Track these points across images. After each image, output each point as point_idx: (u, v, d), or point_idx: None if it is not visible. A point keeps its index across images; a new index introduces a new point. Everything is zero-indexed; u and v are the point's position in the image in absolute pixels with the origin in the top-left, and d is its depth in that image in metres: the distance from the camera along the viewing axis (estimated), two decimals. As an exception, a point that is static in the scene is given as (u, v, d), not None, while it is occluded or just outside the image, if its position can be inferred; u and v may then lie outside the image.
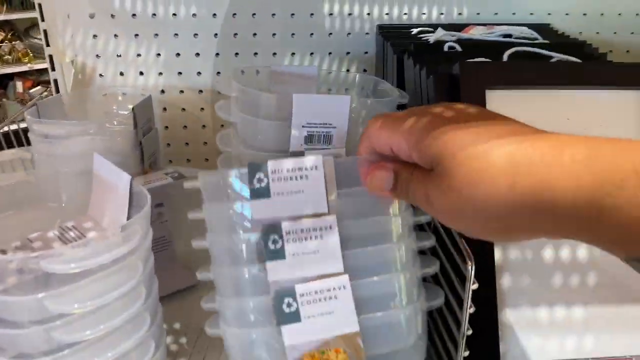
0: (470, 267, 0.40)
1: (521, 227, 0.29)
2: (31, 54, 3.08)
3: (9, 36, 2.85)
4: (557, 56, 0.56)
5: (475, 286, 0.41)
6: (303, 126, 0.52)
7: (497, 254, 0.48)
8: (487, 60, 0.55)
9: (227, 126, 0.59)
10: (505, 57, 0.56)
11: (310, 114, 0.52)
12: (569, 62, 0.55)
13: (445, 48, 0.65)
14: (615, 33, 0.87)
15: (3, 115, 2.79)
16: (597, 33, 0.87)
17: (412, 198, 0.34)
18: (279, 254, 0.41)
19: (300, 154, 0.52)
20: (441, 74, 0.52)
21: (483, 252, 0.46)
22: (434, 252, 0.49)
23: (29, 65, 3.05)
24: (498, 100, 0.50)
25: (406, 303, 0.42)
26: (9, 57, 2.84)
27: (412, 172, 0.33)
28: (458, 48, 0.65)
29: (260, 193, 0.40)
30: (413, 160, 0.33)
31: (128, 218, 0.44)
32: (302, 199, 0.41)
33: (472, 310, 0.42)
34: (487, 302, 0.46)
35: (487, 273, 0.46)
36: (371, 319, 0.41)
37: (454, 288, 0.45)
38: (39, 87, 3.42)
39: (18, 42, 2.93)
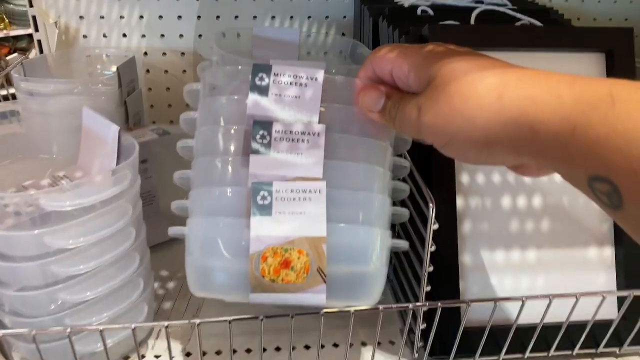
0: (431, 209, 0.44)
1: (502, 142, 0.31)
2: (7, 20, 3.02)
3: (-17, 3, 2.79)
4: (523, 18, 0.60)
5: (435, 226, 0.45)
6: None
7: (459, 201, 0.52)
8: (455, 22, 0.59)
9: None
10: (472, 18, 0.60)
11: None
12: (532, 25, 0.59)
13: (419, 12, 0.68)
14: (582, 1, 0.91)
15: (-19, 82, 2.75)
16: (566, 1, 0.91)
17: (400, 119, 0.37)
18: (264, 150, 0.42)
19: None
20: (412, 35, 0.55)
21: (445, 199, 0.51)
22: (403, 204, 0.53)
23: (4, 31, 2.98)
24: (463, 59, 0.53)
25: (373, 226, 0.44)
26: (-15, 24, 2.78)
27: (404, 95, 0.37)
28: (430, 12, 0.68)
29: (259, 90, 0.43)
30: (409, 84, 0.37)
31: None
32: (296, 105, 0.43)
33: (433, 248, 0.46)
34: (449, 242, 0.51)
35: (449, 217, 0.51)
36: (338, 231, 0.42)
37: (419, 232, 0.50)
38: (15, 54, 3.36)
39: (-7, 8, 2.86)
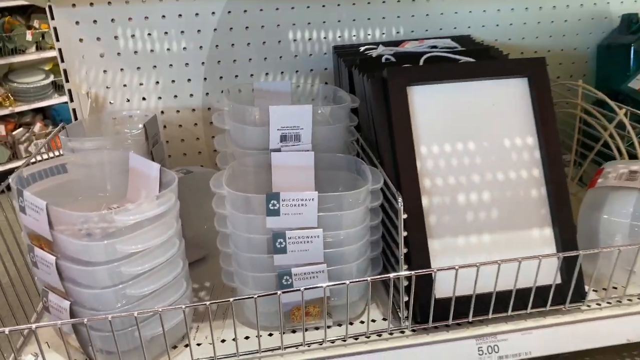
0: (400, 203, 0.59)
1: None
2: (12, 98, 3.23)
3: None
4: (461, 58, 0.77)
5: (405, 216, 0.60)
6: (278, 129, 0.71)
7: (424, 200, 0.67)
8: (409, 65, 0.75)
9: (216, 137, 0.78)
10: (421, 61, 0.77)
11: (283, 120, 0.71)
12: (466, 61, 0.76)
13: (383, 60, 0.85)
14: (523, 39, 1.09)
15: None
16: (509, 40, 1.09)
17: None
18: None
19: (277, 150, 0.71)
20: (376, 78, 0.71)
21: (412, 196, 0.66)
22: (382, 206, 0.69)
23: (10, 108, 3.20)
24: (416, 93, 0.70)
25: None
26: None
27: None
28: (392, 59, 0.85)
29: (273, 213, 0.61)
30: None
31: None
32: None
33: (405, 234, 0.61)
34: (418, 231, 0.65)
35: (416, 212, 0.66)
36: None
37: (395, 225, 0.64)
38: (21, 129, 3.57)
39: (-1, 87, 3.07)
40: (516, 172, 0.70)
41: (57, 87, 3.68)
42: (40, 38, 3.56)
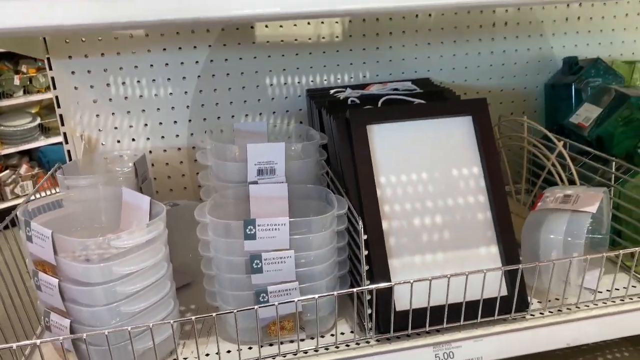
0: (360, 224, 0.68)
1: None
2: (-1, 141, 3.29)
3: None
4: (415, 100, 0.87)
5: (365, 237, 0.69)
6: (255, 164, 0.81)
7: (384, 224, 0.76)
8: (369, 107, 0.86)
9: (200, 172, 0.87)
10: (379, 103, 0.87)
11: (259, 156, 0.80)
12: (419, 103, 0.86)
13: (349, 102, 0.96)
14: (477, 80, 1.21)
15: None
16: (465, 81, 1.21)
17: None
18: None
19: (254, 183, 0.80)
20: (340, 118, 0.82)
21: (373, 220, 0.75)
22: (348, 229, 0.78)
23: (-5, 151, 3.24)
24: (375, 131, 0.80)
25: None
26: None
27: None
28: (357, 101, 0.95)
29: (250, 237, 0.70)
30: None
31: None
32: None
33: (366, 252, 0.70)
34: (379, 249, 0.74)
35: (378, 232, 0.75)
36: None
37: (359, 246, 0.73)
38: (7, 171, 3.63)
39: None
40: (464, 199, 0.79)
41: (44, 130, 3.76)
42: (28, 82, 3.66)
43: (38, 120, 3.74)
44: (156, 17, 0.54)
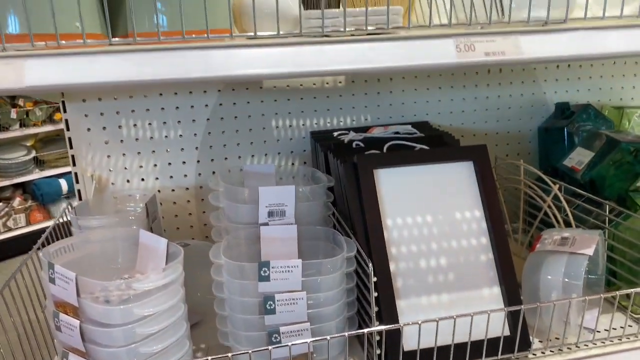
0: (370, 267, 0.71)
1: None
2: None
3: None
4: (417, 146, 0.92)
5: (375, 279, 0.72)
6: (266, 207, 0.84)
7: (392, 265, 0.79)
8: (375, 151, 0.90)
9: (207, 213, 0.90)
10: (384, 148, 0.91)
11: (270, 199, 0.84)
12: (422, 149, 0.91)
13: (353, 145, 1.00)
14: (474, 123, 1.26)
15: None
16: (462, 124, 1.26)
17: None
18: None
19: (265, 224, 0.83)
20: (348, 163, 0.85)
21: (381, 262, 0.78)
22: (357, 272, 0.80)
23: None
24: (382, 175, 0.84)
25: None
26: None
27: None
28: (362, 144, 0.99)
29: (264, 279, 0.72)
30: None
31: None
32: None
33: (376, 294, 0.72)
34: (387, 290, 0.77)
35: (386, 274, 0.78)
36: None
37: (368, 287, 0.76)
38: (0, 203, 3.63)
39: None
40: (467, 241, 0.83)
41: (38, 163, 3.78)
42: (25, 116, 3.69)
43: (33, 153, 3.76)
44: (181, 75, 0.58)
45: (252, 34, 0.64)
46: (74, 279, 0.65)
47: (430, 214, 0.84)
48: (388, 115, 1.21)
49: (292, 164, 1.19)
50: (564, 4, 0.69)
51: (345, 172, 0.85)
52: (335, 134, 1.12)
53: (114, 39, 0.60)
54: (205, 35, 0.63)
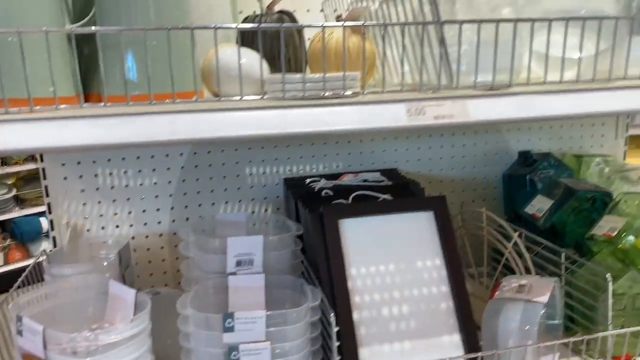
0: (332, 316, 0.74)
1: None
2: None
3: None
4: (381, 196, 0.96)
5: (337, 328, 0.74)
6: (234, 256, 0.87)
7: (355, 314, 0.82)
8: (343, 201, 0.94)
9: (180, 259, 0.92)
10: (350, 199, 0.95)
11: (238, 249, 0.87)
12: (385, 200, 0.95)
13: (323, 193, 1.04)
14: (441, 170, 1.31)
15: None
16: (430, 171, 1.31)
17: None
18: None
19: (233, 274, 0.86)
20: (315, 213, 0.89)
21: (344, 311, 0.80)
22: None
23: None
24: (347, 225, 0.87)
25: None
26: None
27: None
28: (330, 193, 1.03)
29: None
30: None
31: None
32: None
33: (338, 343, 0.75)
34: (349, 340, 0.79)
35: (349, 323, 0.80)
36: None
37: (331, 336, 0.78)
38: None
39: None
40: (428, 289, 0.86)
41: (19, 201, 3.76)
42: (7, 154, 3.68)
43: (14, 192, 3.74)
44: (149, 138, 0.62)
45: (217, 97, 0.68)
46: (41, 332, 0.66)
47: (393, 262, 0.87)
48: (359, 162, 1.26)
49: (266, 210, 1.22)
50: (509, 69, 0.74)
51: (312, 222, 0.88)
52: (308, 180, 1.16)
53: (85, 104, 0.64)
54: (173, 99, 0.67)
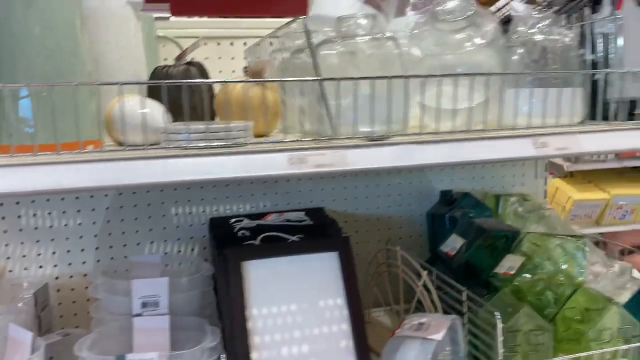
0: (223, 357, 0.76)
1: None
2: None
3: None
4: (291, 237, 1.00)
5: (227, 369, 0.77)
6: (139, 298, 0.89)
7: (254, 354, 0.85)
8: (249, 242, 0.97)
9: (93, 304, 0.94)
10: (257, 241, 0.99)
11: (144, 291, 0.89)
12: (292, 241, 0.98)
13: (240, 234, 1.07)
14: (367, 209, 1.36)
15: None
16: (356, 209, 1.35)
17: None
18: None
19: (139, 315, 0.88)
20: (221, 254, 0.92)
21: (242, 351, 0.83)
22: None
23: None
24: (251, 267, 0.91)
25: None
26: None
27: None
28: (247, 234, 1.07)
29: None
30: None
31: None
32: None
33: (229, 384, 0.77)
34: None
35: (244, 364, 0.83)
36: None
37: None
38: None
39: None
40: (329, 327, 0.89)
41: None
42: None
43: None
44: (54, 186, 0.66)
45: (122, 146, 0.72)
46: None
47: (296, 302, 0.90)
48: (286, 201, 1.30)
49: (192, 249, 1.24)
50: (394, 118, 0.79)
51: (218, 263, 0.91)
52: (232, 220, 1.19)
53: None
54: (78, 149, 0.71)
